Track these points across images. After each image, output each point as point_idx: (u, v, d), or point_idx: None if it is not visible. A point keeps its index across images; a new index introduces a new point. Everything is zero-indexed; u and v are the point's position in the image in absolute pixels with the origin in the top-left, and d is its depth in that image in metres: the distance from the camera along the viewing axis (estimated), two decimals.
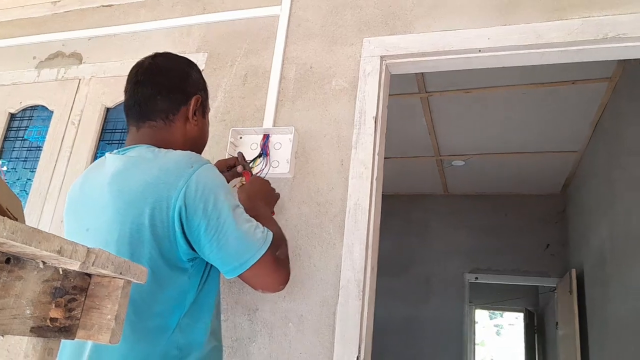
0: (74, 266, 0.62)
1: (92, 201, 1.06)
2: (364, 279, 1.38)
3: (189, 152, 1.05)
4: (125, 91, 1.14)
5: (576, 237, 4.31)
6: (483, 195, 5.19)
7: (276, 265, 1.04)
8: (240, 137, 1.69)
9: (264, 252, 1.01)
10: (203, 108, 1.19)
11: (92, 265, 0.62)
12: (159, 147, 1.06)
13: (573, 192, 4.48)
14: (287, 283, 1.09)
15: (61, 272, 0.65)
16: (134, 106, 1.11)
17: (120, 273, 0.68)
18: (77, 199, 1.12)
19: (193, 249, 0.99)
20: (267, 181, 1.39)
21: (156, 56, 1.16)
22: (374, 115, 1.56)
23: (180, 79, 1.14)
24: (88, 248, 0.62)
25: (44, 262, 0.62)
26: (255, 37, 1.86)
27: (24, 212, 1.95)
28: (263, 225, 1.06)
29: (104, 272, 0.66)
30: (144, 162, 1.02)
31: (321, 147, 1.61)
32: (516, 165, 4.38)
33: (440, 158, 4.41)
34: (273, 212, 1.37)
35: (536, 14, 1.50)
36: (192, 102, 1.14)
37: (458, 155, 4.32)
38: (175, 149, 1.06)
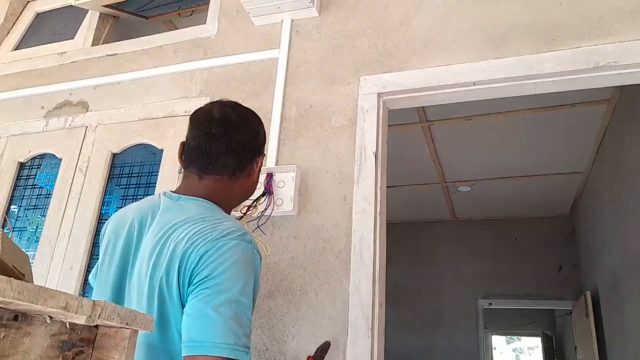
0: (80, 320, 0.63)
1: (144, 245, 1.02)
2: (372, 315, 1.38)
3: (239, 228, 1.00)
4: (193, 137, 1.10)
5: (588, 259, 4.27)
6: (491, 219, 5.17)
7: None
8: None
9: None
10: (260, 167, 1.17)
11: (99, 317, 0.64)
12: (216, 202, 1.05)
13: (581, 213, 4.45)
14: None
15: (68, 326, 0.67)
16: (203, 157, 1.07)
17: (127, 323, 0.69)
18: (128, 238, 1.07)
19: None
20: None
21: (226, 107, 1.12)
22: (374, 150, 1.59)
23: (252, 138, 1.11)
24: (94, 301, 0.63)
25: (50, 317, 0.64)
26: (255, 79, 1.91)
27: (35, 258, 1.99)
28: None
29: (110, 323, 0.67)
30: (198, 219, 0.99)
31: (324, 183, 1.64)
32: (522, 189, 4.38)
33: (446, 184, 4.42)
34: None
35: (527, 47, 1.54)
36: (259, 160, 1.13)
37: (464, 181, 4.33)
38: (230, 206, 1.09)
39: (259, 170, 1.16)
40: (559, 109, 3.05)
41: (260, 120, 1.17)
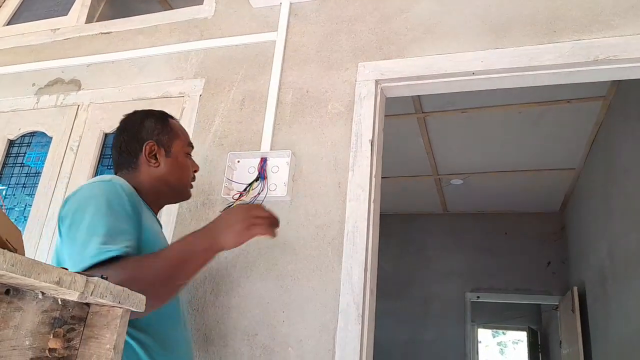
0: (73, 296, 0.62)
1: None
2: (363, 302, 1.38)
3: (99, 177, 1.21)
4: None
5: (576, 255, 4.30)
6: (483, 213, 5.19)
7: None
8: (238, 161, 1.70)
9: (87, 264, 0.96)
10: (165, 149, 1.28)
11: (91, 295, 0.63)
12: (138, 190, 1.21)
13: (572, 209, 4.49)
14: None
15: (60, 302, 0.66)
16: (114, 167, 1.31)
17: (119, 302, 0.68)
18: None
19: None
20: (256, 207, 1.21)
21: (122, 119, 1.34)
22: (370, 138, 1.57)
23: (134, 132, 1.29)
24: (87, 277, 0.62)
25: (42, 293, 0.63)
26: (252, 62, 1.89)
27: (23, 237, 1.96)
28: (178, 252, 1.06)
29: (102, 301, 0.66)
30: None
31: (318, 170, 1.62)
32: (515, 184, 4.40)
33: (438, 177, 4.43)
34: (247, 238, 1.15)
35: (528, 38, 1.53)
36: (146, 148, 1.26)
37: (456, 174, 4.34)
38: (145, 191, 1.23)
39: (168, 153, 1.28)
40: (554, 105, 3.05)
41: (149, 113, 1.33)
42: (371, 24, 1.77)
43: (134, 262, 0.99)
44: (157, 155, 1.26)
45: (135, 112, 1.35)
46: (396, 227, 5.27)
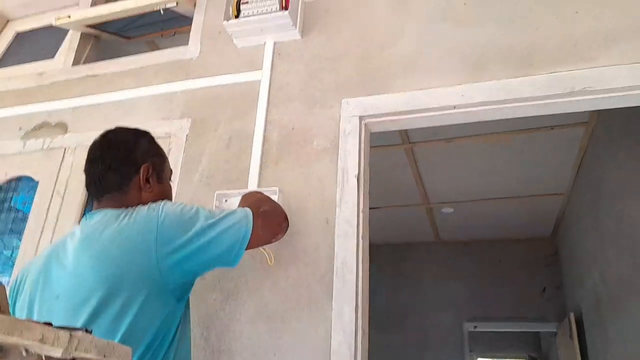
0: (57, 353, 0.61)
1: (61, 269, 1.08)
2: (355, 342, 1.35)
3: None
4: (84, 170, 1.21)
5: (571, 280, 4.29)
6: (475, 241, 5.18)
7: (263, 219, 1.23)
8: (226, 200, 1.69)
9: (250, 224, 1.17)
10: (158, 173, 1.24)
11: (75, 350, 0.62)
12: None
13: (563, 234, 4.50)
14: (286, 221, 1.38)
15: (44, 358, 0.65)
16: (91, 184, 1.19)
17: (104, 355, 0.67)
18: (42, 270, 1.13)
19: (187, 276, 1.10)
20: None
21: (107, 132, 1.24)
22: (356, 173, 1.58)
23: (128, 151, 1.20)
24: (70, 333, 0.61)
25: (26, 350, 0.62)
26: (237, 101, 1.91)
27: (9, 283, 1.92)
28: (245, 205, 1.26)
29: (87, 356, 0.65)
30: (112, 219, 1.09)
31: (306, 206, 1.62)
32: (505, 210, 4.41)
33: (429, 206, 4.44)
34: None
35: (505, 71, 1.57)
36: (142, 170, 1.20)
37: (447, 203, 4.35)
38: None
39: (160, 179, 1.25)
40: (538, 132, 3.10)
41: (141, 133, 1.28)
42: (353, 60, 1.80)
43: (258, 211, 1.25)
44: (150, 180, 1.21)
45: (125, 129, 1.28)
46: (388, 257, 5.23)
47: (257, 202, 1.31)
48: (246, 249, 1.16)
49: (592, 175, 3.22)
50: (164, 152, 1.33)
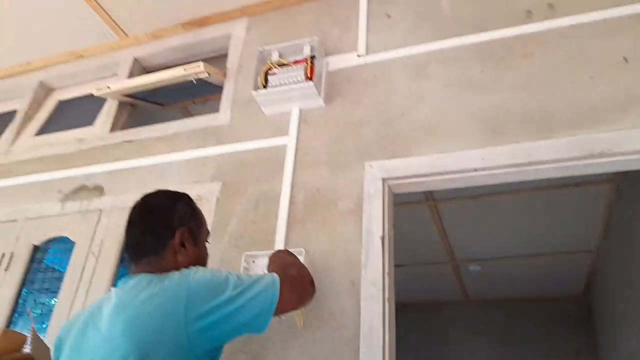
0: None
1: (96, 333, 1.12)
2: None
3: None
4: (124, 233, 1.26)
5: (605, 343, 4.10)
6: (504, 300, 5.03)
7: (290, 286, 1.21)
8: (253, 261, 1.74)
9: (278, 291, 1.17)
10: (194, 237, 1.28)
11: None
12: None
13: (596, 293, 4.35)
14: (312, 287, 1.35)
15: None
16: (129, 247, 1.24)
17: None
18: (80, 333, 1.16)
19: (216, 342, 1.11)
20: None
21: (146, 196, 1.30)
22: (381, 234, 1.62)
23: (164, 215, 1.25)
24: None
25: None
26: (265, 165, 1.99)
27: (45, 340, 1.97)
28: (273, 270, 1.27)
29: None
30: (145, 285, 1.12)
31: (332, 267, 1.65)
32: (533, 268, 4.31)
33: (456, 264, 4.38)
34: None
35: (525, 134, 1.62)
36: (177, 235, 1.23)
37: (473, 260, 4.29)
38: None
39: (196, 242, 1.27)
40: (564, 189, 3.09)
41: (179, 196, 1.32)
42: (375, 126, 1.88)
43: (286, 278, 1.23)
44: (186, 244, 1.24)
45: (164, 193, 1.32)
46: (415, 317, 5.10)
47: (284, 267, 1.32)
48: (274, 316, 1.17)
49: (622, 231, 3.17)
50: (202, 215, 1.36)
